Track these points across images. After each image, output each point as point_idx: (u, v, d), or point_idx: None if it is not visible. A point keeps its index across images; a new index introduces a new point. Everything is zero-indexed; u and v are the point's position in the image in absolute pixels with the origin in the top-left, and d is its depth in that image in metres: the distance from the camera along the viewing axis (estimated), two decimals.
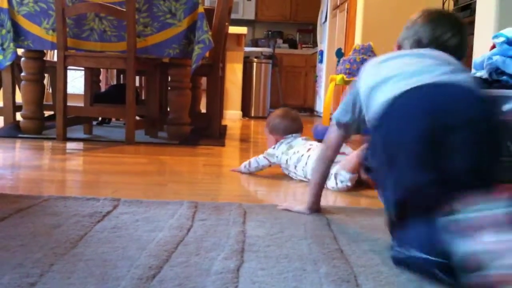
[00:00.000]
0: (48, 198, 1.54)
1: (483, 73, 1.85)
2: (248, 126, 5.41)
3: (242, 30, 6.14)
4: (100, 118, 4.46)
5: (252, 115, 7.11)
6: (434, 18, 1.32)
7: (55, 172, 2.18)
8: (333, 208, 1.62)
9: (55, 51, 3.40)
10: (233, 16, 5.62)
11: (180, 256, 1.08)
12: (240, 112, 6.47)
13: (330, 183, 1.97)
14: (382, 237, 1.28)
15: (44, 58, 3.42)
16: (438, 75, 1.12)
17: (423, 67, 1.16)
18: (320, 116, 7.15)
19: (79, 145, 3.09)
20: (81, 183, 2.00)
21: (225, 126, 4.83)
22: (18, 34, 3.21)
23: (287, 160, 2.17)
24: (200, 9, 3.21)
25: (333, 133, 1.44)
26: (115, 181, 1.99)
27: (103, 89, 5.12)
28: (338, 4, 6.77)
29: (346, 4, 6.16)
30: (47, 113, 3.55)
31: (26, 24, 3.20)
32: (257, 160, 2.26)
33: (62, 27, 3.07)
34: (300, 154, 2.13)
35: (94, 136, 3.54)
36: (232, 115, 6.32)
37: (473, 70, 1.96)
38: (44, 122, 3.40)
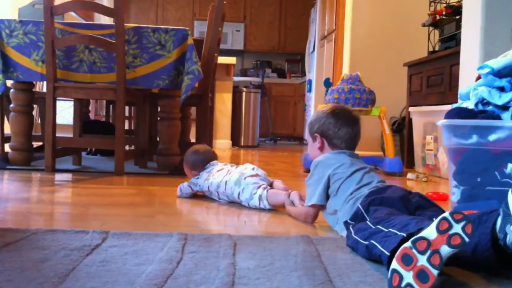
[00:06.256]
0: (36, 231, 1.53)
1: (469, 104, 1.87)
2: (238, 155, 5.41)
3: (231, 60, 6.20)
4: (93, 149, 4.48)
5: (242, 144, 7.13)
6: (349, 120, 1.90)
7: (43, 205, 2.16)
8: (324, 239, 1.62)
9: (44, 82, 3.40)
10: (222, 46, 5.68)
11: None
12: (230, 142, 6.48)
13: (253, 202, 2.17)
14: (372, 268, 1.28)
15: (33, 89, 3.42)
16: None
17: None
18: None
19: (67, 177, 3.07)
20: (70, 215, 1.99)
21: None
22: (7, 65, 3.21)
23: (208, 187, 2.36)
24: (190, 41, 3.24)
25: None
26: (104, 213, 1.97)
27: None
28: (326, 34, 6.86)
29: (334, 35, 6.25)
30: (36, 144, 3.53)
31: (15, 56, 3.21)
32: (181, 188, 2.43)
33: (51, 58, 3.08)
34: (219, 180, 2.31)
35: (83, 167, 3.52)
36: (222, 145, 6.33)
37: (459, 101, 1.99)
38: (33, 154, 3.38)
